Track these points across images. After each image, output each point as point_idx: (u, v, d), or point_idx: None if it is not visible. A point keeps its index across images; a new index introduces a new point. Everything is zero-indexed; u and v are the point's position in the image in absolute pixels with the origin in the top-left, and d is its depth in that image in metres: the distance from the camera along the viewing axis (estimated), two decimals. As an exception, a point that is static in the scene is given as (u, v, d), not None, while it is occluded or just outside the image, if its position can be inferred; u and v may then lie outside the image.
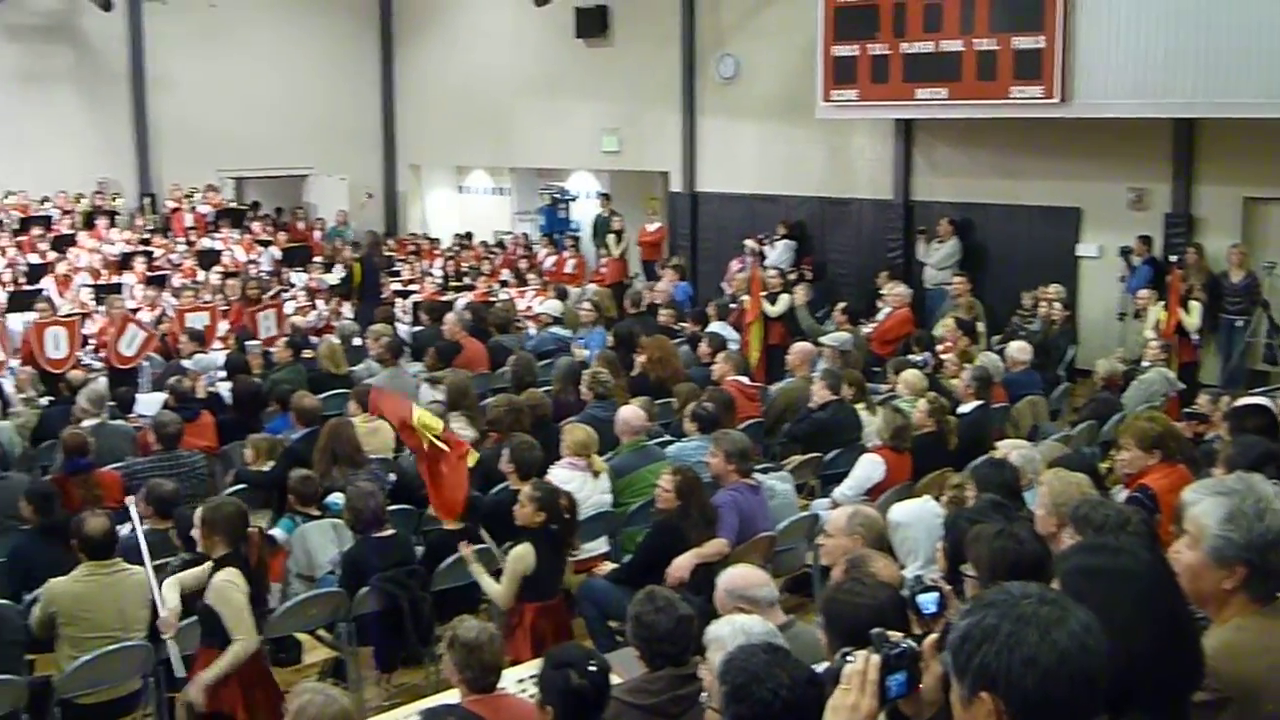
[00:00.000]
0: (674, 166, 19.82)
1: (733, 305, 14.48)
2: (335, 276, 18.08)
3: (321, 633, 7.37)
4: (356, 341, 13.13)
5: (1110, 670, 2.31)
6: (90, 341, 14.14)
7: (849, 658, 3.06)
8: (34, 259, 17.83)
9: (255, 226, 21.01)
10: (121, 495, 8.34)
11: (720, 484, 7.69)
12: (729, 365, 10.84)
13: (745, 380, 10.89)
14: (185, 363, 12.37)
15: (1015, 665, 2.25)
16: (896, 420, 8.70)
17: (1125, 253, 14.73)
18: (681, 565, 6.98)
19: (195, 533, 6.38)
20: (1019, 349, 11.46)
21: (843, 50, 15.85)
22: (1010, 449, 7.21)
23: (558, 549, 7.02)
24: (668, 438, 9.54)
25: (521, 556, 6.87)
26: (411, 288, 18.12)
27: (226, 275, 17.59)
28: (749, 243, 17.45)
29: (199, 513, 6.37)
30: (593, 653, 4.27)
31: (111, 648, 6.44)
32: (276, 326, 14.40)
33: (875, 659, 3.01)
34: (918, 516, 6.65)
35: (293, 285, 17.77)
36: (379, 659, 7.39)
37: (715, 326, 13.15)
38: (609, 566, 7.82)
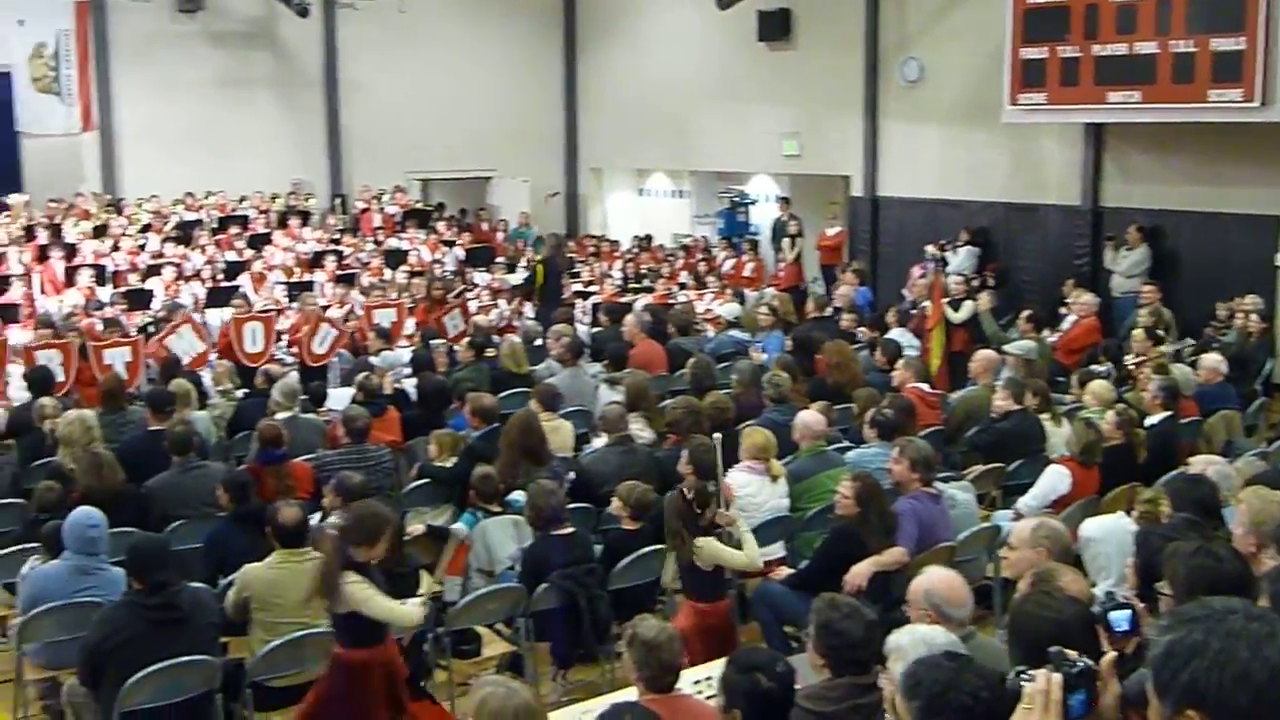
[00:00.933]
0: (855, 170, 19.64)
1: (913, 311, 14.29)
2: (518, 277, 18.36)
3: (500, 627, 7.49)
4: (538, 341, 13.31)
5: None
6: (284, 337, 14.60)
7: (1024, 676, 3.00)
8: (231, 256, 18.50)
9: (440, 227, 21.46)
10: (312, 486, 8.64)
11: (900, 491, 7.60)
12: (909, 372, 10.70)
13: (926, 387, 10.74)
14: (373, 360, 12.70)
15: (1226, 683, 2.17)
16: (1088, 435, 8.48)
17: (1329, 263, 14.13)
18: (859, 573, 6.92)
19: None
20: (1213, 361, 11.08)
21: (1031, 53, 15.52)
22: (1204, 464, 6.97)
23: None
24: (846, 443, 9.47)
25: None
26: (591, 289, 18.29)
27: (412, 274, 18.00)
28: (930, 248, 17.20)
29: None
30: (778, 656, 4.24)
31: (300, 633, 6.63)
32: (462, 325, 14.68)
33: (1057, 678, 2.95)
34: (1110, 532, 6.47)
35: (476, 285, 18.11)
36: (556, 655, 7.48)
37: (895, 333, 12.99)
38: (785, 571, 7.79)
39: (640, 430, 9.48)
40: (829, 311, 14.51)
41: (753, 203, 23.41)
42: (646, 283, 18.83)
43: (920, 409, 9.92)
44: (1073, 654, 3.10)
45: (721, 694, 4.17)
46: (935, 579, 4.99)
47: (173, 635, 6.21)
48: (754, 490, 8.03)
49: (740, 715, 4.06)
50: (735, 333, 14.17)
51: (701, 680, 5.43)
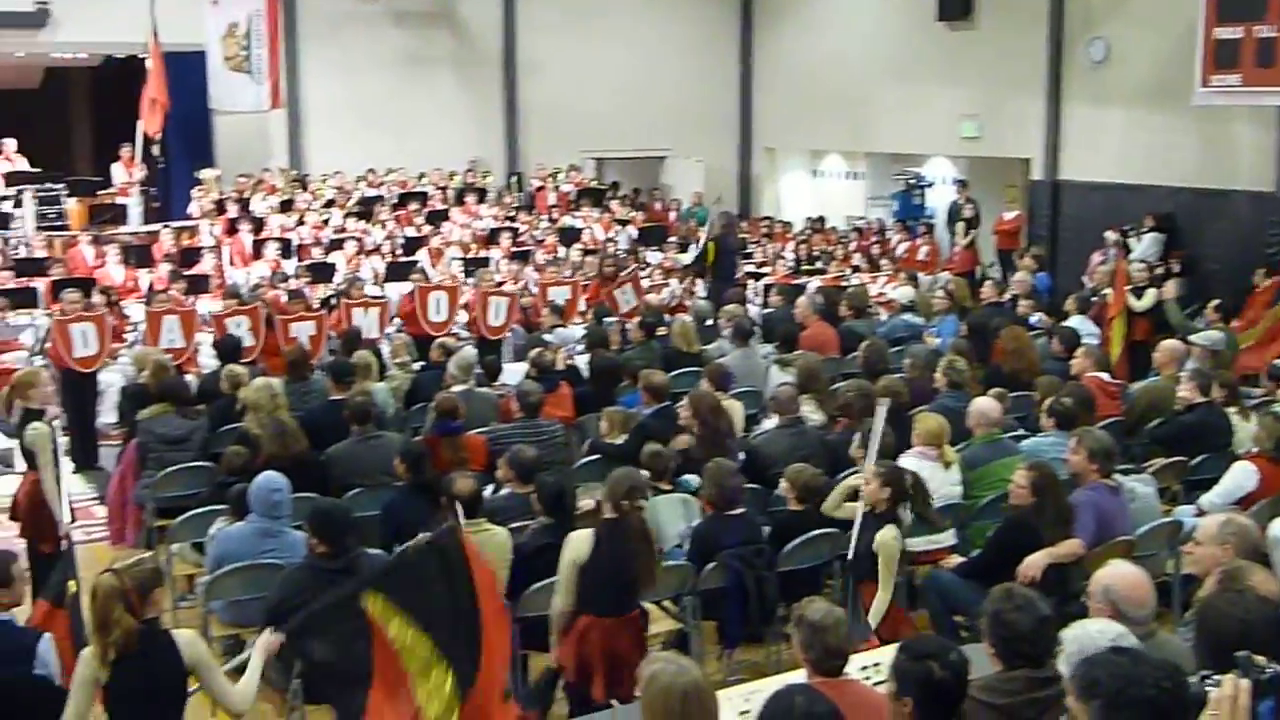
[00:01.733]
0: (1035, 153, 19.17)
1: (1094, 299, 13.92)
2: (689, 256, 18.39)
3: (667, 604, 7.54)
4: (709, 321, 13.31)
5: None
6: (461, 312, 14.88)
7: (1210, 681, 2.92)
8: (410, 232, 18.91)
9: (614, 206, 21.60)
10: (486, 458, 8.79)
11: (1078, 482, 7.43)
12: (1089, 360, 10.43)
13: (1105, 376, 10.46)
14: (546, 336, 12.86)
15: None
16: (1278, 429, 8.17)
17: None
18: (1034, 564, 6.79)
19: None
20: None
21: (1226, 33, 14.95)
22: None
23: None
24: (1021, 431, 9.28)
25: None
26: (763, 270, 18.25)
27: (586, 252, 18.19)
28: (1110, 234, 16.74)
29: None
30: (951, 645, 4.17)
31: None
32: (634, 301, 14.72)
33: (1245, 684, 2.86)
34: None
35: (648, 264, 18.19)
36: (723, 634, 7.51)
37: (1074, 321, 12.66)
38: (956, 560, 7.68)
39: (811, 412, 9.43)
40: (1006, 297, 14.23)
41: (929, 185, 23.10)
42: (819, 265, 18.71)
43: (1100, 399, 9.67)
44: (1261, 660, 2.99)
45: (892, 681, 4.12)
46: (1117, 576, 4.86)
47: (351, 599, 6.39)
48: (926, 476, 7.91)
49: (911, 704, 4.01)
50: (909, 317, 13.97)
51: (869, 666, 5.39)
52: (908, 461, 7.95)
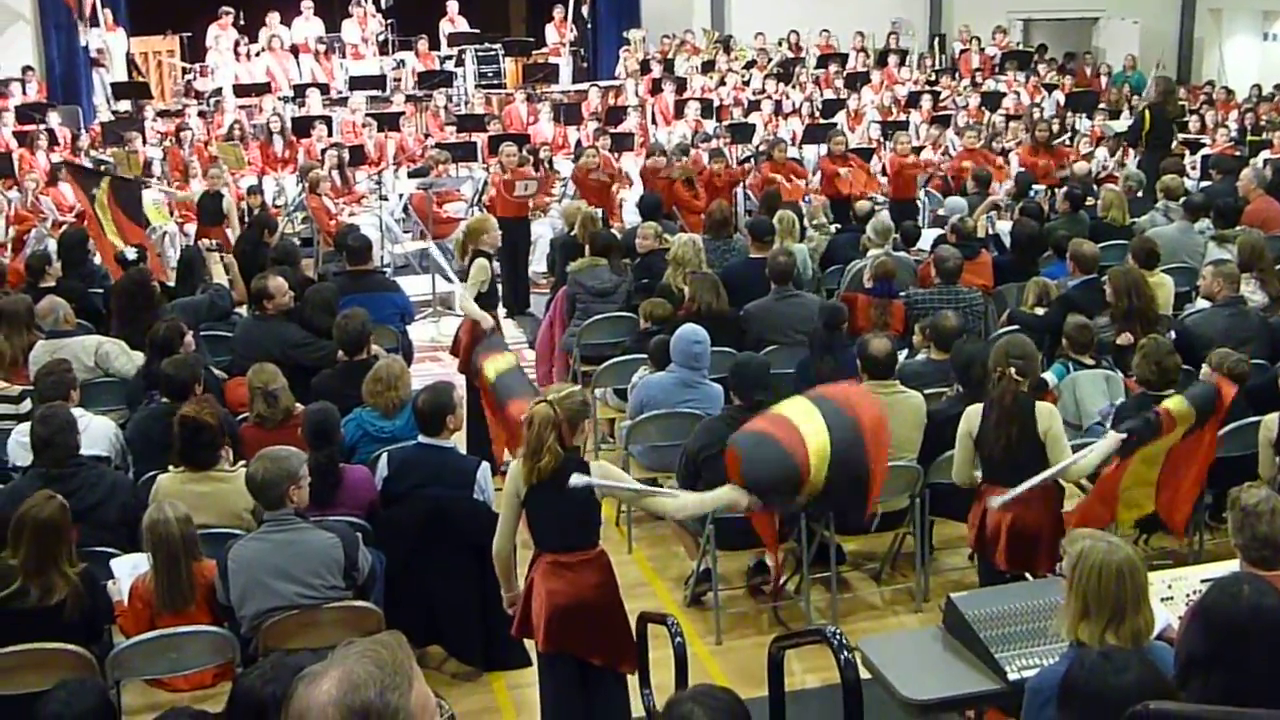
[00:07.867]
0: None
1: None
2: (1121, 124, 17.48)
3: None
4: (1141, 193, 12.65)
5: None
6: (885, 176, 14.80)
7: None
8: (829, 95, 18.80)
9: (1041, 69, 20.74)
10: (904, 323, 8.77)
11: None
12: None
13: None
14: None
15: None
16: None
17: None
18: None
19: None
20: None
21: None
22: None
23: None
24: None
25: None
26: (1202, 140, 17.13)
27: (1009, 118, 17.59)
28: None
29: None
30: None
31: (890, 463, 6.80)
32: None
33: None
34: None
35: (1076, 131, 17.42)
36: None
37: None
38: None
39: (1251, 292, 8.86)
40: None
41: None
42: (1265, 136, 17.36)
43: None
44: None
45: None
46: None
47: (767, 452, 6.56)
48: (1379, 369, 7.33)
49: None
50: (1368, 196, 12.78)
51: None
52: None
